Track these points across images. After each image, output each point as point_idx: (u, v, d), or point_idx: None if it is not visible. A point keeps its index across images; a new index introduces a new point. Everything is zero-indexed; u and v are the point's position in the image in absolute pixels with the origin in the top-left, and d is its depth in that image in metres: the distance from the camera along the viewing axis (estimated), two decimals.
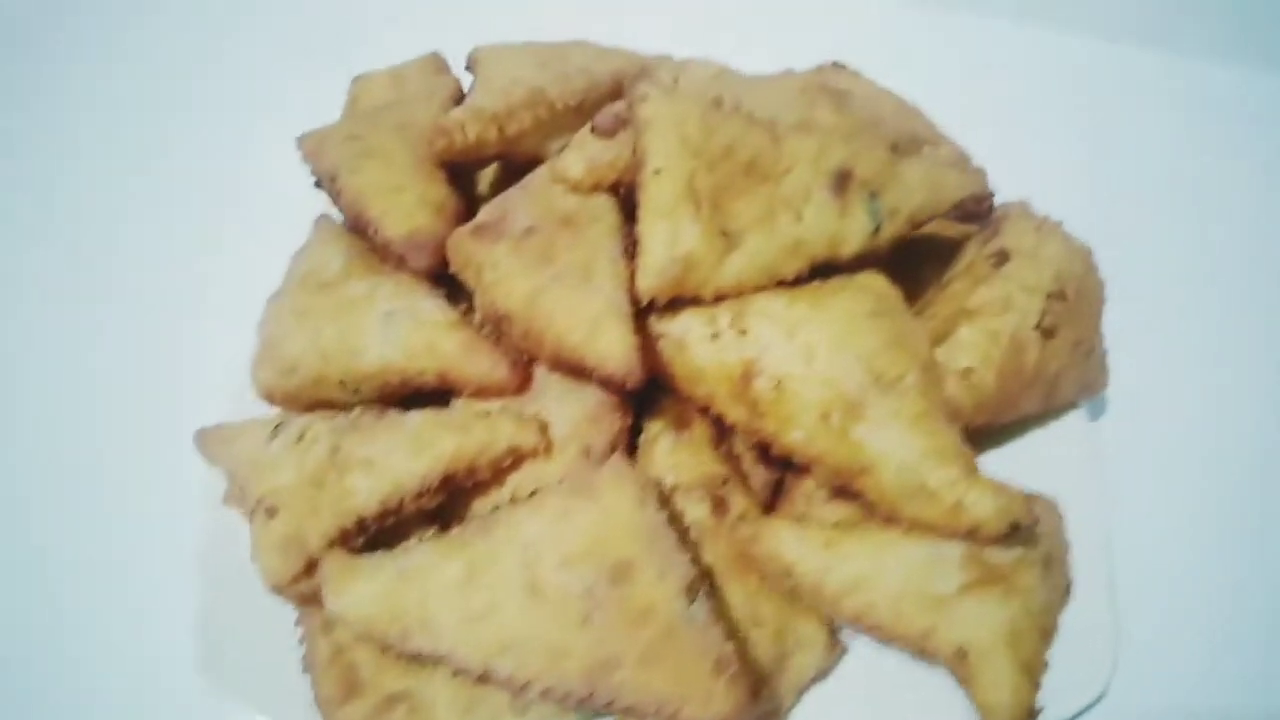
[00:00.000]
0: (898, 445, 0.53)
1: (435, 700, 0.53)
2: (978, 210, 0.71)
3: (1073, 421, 0.67)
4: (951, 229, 0.71)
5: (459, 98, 0.74)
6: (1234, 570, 0.69)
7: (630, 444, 0.61)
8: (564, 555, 0.49)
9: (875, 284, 0.60)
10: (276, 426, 0.57)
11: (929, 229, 0.66)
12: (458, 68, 0.76)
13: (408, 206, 0.62)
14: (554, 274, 0.56)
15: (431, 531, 0.57)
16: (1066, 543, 0.60)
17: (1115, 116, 1.00)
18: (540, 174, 0.63)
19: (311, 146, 0.67)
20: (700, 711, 0.48)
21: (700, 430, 0.61)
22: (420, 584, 0.50)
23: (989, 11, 1.07)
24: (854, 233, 0.59)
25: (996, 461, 0.65)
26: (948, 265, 0.69)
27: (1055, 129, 0.98)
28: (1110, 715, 0.59)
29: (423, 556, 0.51)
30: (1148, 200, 0.93)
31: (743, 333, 0.56)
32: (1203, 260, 0.88)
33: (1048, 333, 0.61)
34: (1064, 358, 0.62)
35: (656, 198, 0.55)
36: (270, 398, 0.63)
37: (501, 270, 0.57)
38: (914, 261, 0.68)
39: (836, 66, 0.77)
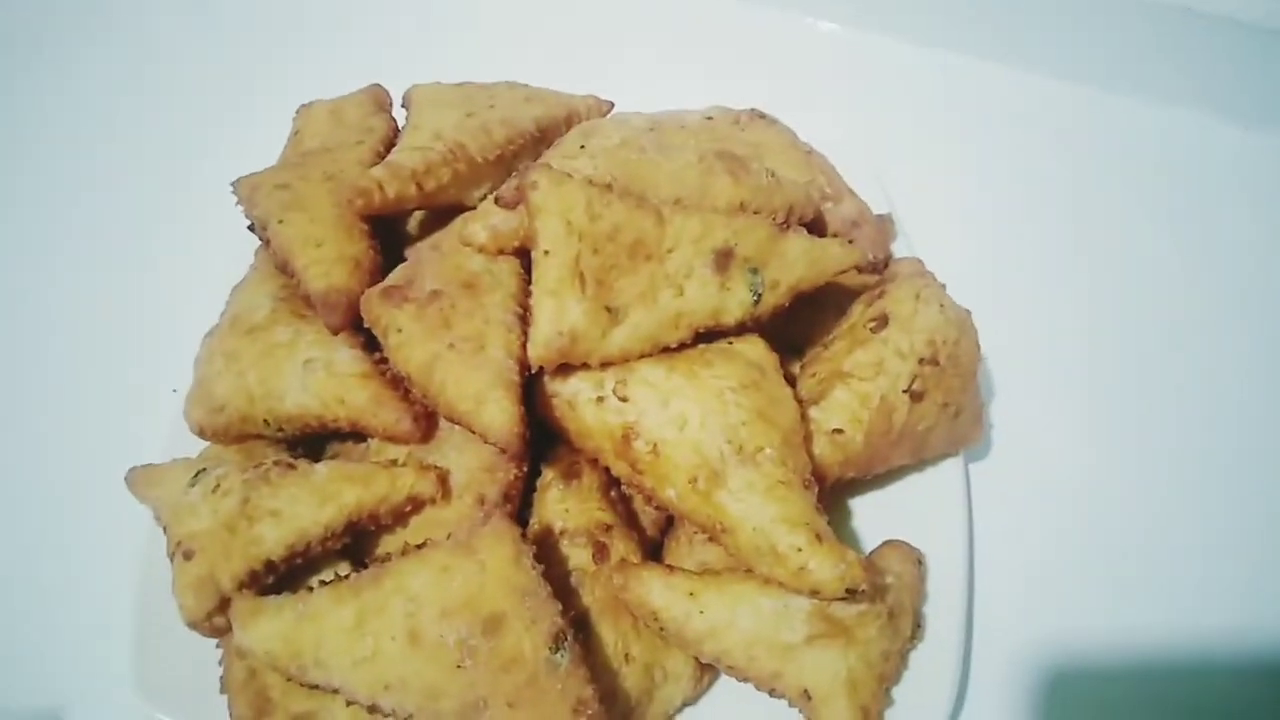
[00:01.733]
0: (753, 511, 0.59)
1: None
2: (872, 267, 0.76)
3: (948, 469, 0.73)
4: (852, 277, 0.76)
5: (392, 140, 0.78)
6: (1091, 614, 0.76)
7: (529, 489, 0.67)
8: (443, 608, 0.55)
9: (752, 352, 0.65)
10: (196, 474, 0.63)
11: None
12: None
13: (327, 262, 0.67)
14: (450, 341, 0.62)
15: (342, 565, 0.64)
16: (923, 590, 0.66)
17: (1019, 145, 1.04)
18: (451, 233, 0.68)
19: (245, 192, 0.72)
20: None
21: (590, 479, 0.66)
22: (316, 626, 0.56)
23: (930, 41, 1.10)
24: (735, 305, 0.64)
25: (872, 505, 0.72)
26: (844, 311, 0.74)
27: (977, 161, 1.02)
28: None
29: (320, 601, 0.57)
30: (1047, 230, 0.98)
31: (624, 399, 0.62)
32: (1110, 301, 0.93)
33: (916, 396, 0.66)
34: (931, 418, 0.67)
35: (545, 277, 0.60)
36: (201, 433, 0.68)
37: (404, 334, 0.63)
38: (813, 308, 0.73)
39: (754, 114, 0.81)
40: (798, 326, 0.74)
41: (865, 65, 1.09)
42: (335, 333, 0.66)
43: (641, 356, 0.63)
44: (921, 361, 0.67)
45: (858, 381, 0.66)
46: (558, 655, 0.55)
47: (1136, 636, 0.74)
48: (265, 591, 0.60)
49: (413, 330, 0.63)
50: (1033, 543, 0.78)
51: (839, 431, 0.65)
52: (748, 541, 0.59)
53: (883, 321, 0.69)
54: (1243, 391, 0.87)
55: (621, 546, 0.64)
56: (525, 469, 0.66)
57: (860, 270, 0.74)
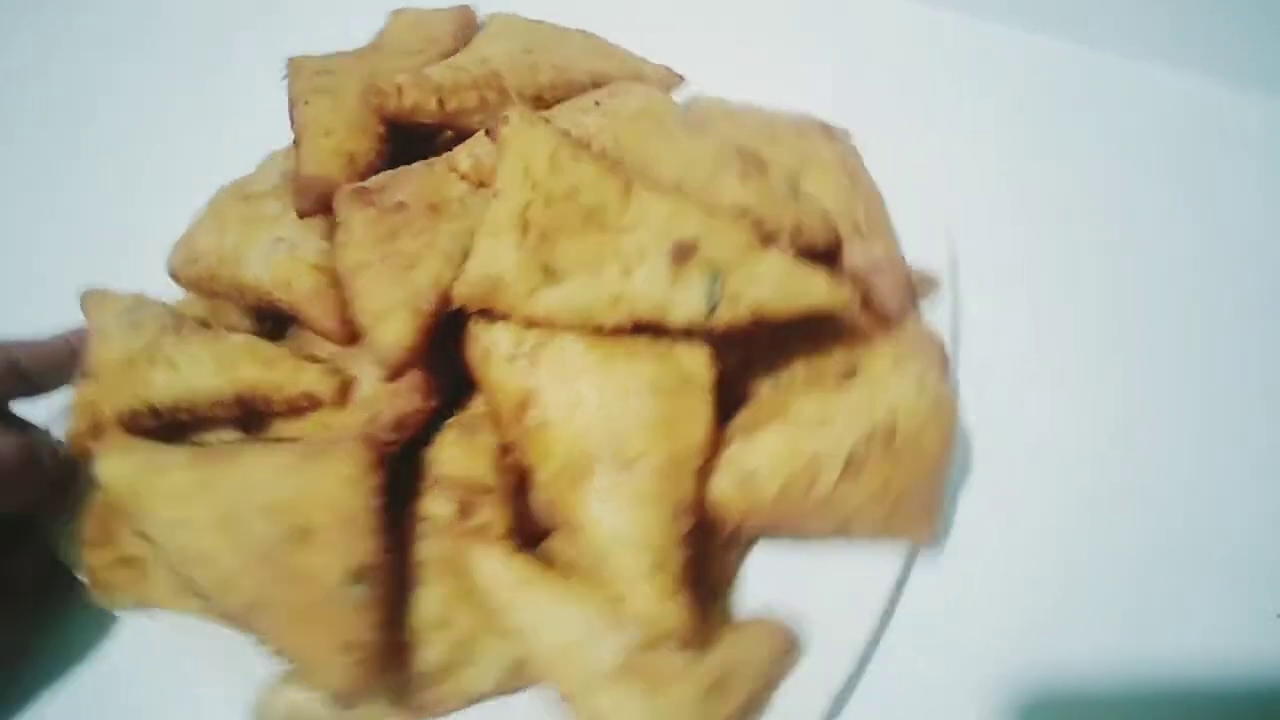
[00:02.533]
0: (607, 517, 0.54)
1: (158, 574, 0.60)
2: (882, 320, 0.69)
3: (882, 563, 0.65)
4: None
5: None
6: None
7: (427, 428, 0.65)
8: (266, 503, 0.54)
9: (688, 361, 0.60)
10: (130, 309, 0.65)
11: None
12: None
13: (325, 152, 0.67)
14: (385, 254, 0.60)
15: (230, 434, 0.64)
16: (777, 677, 0.59)
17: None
18: (445, 156, 0.67)
19: (292, 70, 0.73)
20: (314, 679, 0.52)
21: (488, 439, 0.63)
22: (158, 479, 0.57)
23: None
24: (683, 306, 0.58)
25: (799, 568, 0.64)
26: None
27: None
28: None
29: (173, 458, 0.58)
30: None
31: (534, 363, 0.59)
32: None
33: (850, 468, 0.59)
34: (859, 499, 0.60)
35: (490, 218, 0.58)
36: (174, 277, 0.70)
37: (351, 235, 0.62)
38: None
39: (823, 127, 0.75)
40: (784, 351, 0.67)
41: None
42: (301, 216, 0.66)
43: (569, 326, 0.59)
44: (871, 435, 0.60)
45: (795, 429, 0.60)
46: (354, 588, 0.53)
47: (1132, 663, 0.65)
48: (149, 435, 0.61)
49: (360, 233, 0.62)
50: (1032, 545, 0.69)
51: (752, 475, 0.59)
52: (590, 546, 0.55)
53: (849, 373, 0.62)
54: None
55: (489, 514, 0.61)
56: (432, 405, 0.63)
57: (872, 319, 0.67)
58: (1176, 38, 0.96)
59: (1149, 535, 0.69)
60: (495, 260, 0.58)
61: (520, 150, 0.58)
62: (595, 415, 0.56)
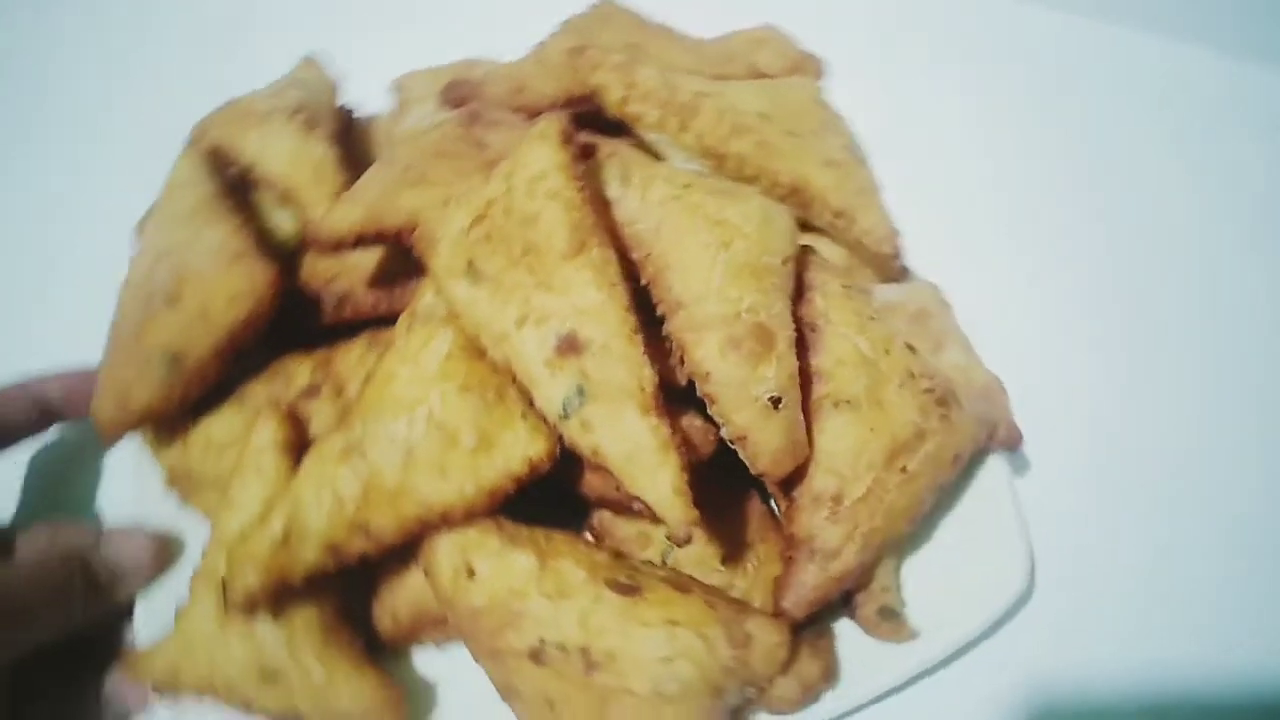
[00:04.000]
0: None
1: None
2: None
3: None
4: None
5: None
6: None
7: None
8: None
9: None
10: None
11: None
12: None
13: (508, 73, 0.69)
14: (414, 163, 0.63)
15: None
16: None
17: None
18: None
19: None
20: None
21: None
22: None
23: None
24: (545, 392, 0.53)
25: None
26: None
27: None
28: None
29: None
30: None
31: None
32: None
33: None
34: None
35: (468, 193, 0.58)
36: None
37: (430, 131, 0.65)
38: None
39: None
40: None
41: None
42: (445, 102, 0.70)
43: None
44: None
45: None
46: None
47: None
48: None
49: (429, 137, 0.64)
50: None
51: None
52: None
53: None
54: None
55: None
56: None
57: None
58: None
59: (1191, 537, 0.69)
60: (447, 224, 0.57)
61: (524, 154, 0.56)
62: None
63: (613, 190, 0.59)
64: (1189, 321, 0.80)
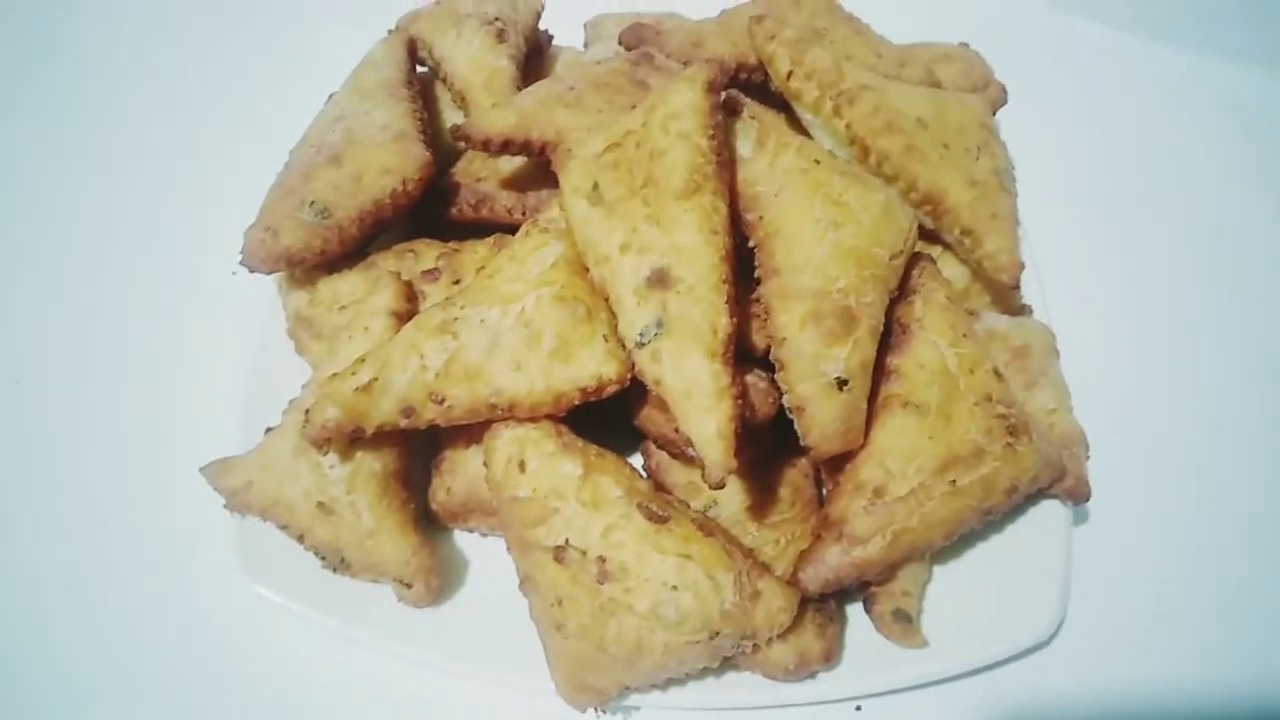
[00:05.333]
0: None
1: None
2: None
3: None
4: None
5: None
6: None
7: None
8: None
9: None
10: None
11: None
12: None
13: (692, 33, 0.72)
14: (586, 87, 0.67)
15: None
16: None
17: None
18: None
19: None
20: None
21: None
22: None
23: None
24: (628, 316, 0.57)
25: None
26: None
27: None
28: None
29: None
30: None
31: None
32: None
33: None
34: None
35: (620, 121, 0.61)
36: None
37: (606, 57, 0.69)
38: None
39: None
40: None
41: None
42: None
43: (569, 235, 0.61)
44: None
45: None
46: None
47: None
48: None
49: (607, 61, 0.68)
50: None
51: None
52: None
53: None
54: None
55: None
56: None
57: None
58: None
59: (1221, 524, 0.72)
60: (583, 145, 0.61)
61: (667, 93, 0.59)
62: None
63: (745, 149, 0.61)
64: None
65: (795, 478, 0.64)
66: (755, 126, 0.62)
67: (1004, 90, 0.78)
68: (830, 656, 0.58)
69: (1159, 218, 0.90)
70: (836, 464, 0.60)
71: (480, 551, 0.67)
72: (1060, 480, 0.63)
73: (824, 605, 0.60)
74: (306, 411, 0.58)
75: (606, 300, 0.59)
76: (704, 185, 0.57)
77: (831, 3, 0.78)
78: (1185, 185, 0.92)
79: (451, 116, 0.78)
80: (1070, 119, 0.96)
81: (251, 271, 0.67)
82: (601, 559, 0.55)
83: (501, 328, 0.58)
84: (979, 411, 0.59)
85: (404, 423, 0.59)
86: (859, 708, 0.62)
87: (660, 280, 0.56)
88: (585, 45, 0.83)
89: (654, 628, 0.54)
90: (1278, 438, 0.77)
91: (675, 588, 0.54)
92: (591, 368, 0.58)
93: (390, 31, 0.79)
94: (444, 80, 0.76)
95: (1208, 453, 0.76)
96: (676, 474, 0.65)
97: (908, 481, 0.58)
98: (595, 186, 0.59)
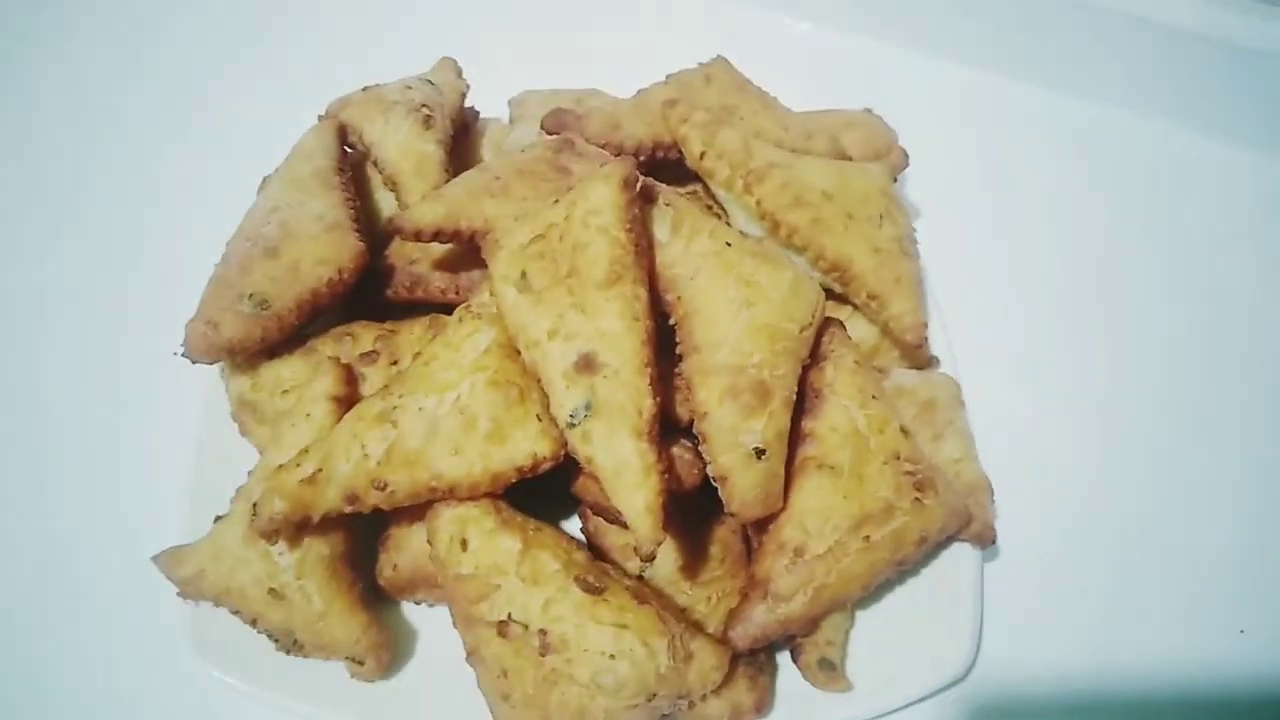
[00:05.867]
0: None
1: None
2: None
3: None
4: None
5: None
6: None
7: None
8: None
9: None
10: None
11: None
12: None
13: (608, 118, 0.77)
14: (515, 176, 0.70)
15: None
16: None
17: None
18: None
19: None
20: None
21: None
22: None
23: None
24: (559, 398, 0.60)
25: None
26: None
27: None
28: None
29: None
30: None
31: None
32: None
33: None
34: None
35: (541, 213, 0.64)
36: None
37: (526, 145, 0.72)
38: None
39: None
40: None
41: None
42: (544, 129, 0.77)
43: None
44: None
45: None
46: None
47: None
48: None
49: (529, 151, 0.72)
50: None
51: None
52: None
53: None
54: None
55: None
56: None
57: None
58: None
59: (1124, 553, 0.79)
60: (510, 235, 0.64)
61: (587, 189, 0.62)
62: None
63: (662, 233, 0.66)
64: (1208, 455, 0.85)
65: (724, 535, 0.69)
66: (671, 213, 0.66)
67: (905, 155, 0.84)
68: (762, 707, 0.63)
69: (1061, 265, 0.96)
70: (761, 524, 0.65)
71: (428, 621, 0.70)
72: (967, 527, 0.68)
73: (754, 658, 0.64)
74: (254, 504, 0.61)
75: (538, 381, 0.62)
76: (624, 275, 0.61)
77: (740, 79, 0.83)
78: (1082, 232, 0.99)
79: (384, 197, 0.81)
80: (972, 173, 1.02)
81: (194, 363, 0.70)
82: (543, 632, 0.58)
83: (439, 415, 0.61)
84: (888, 470, 0.64)
85: (349, 509, 0.62)
86: None
87: (587, 365, 0.59)
88: (509, 121, 0.87)
89: (595, 695, 0.58)
90: (1173, 472, 0.83)
91: (613, 656, 0.57)
92: (526, 447, 0.62)
93: (320, 118, 0.82)
94: (374, 164, 0.79)
95: (1109, 491, 0.82)
96: (613, 537, 0.69)
97: (825, 540, 0.62)
98: (523, 275, 0.63)
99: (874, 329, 0.76)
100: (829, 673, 0.64)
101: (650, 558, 0.58)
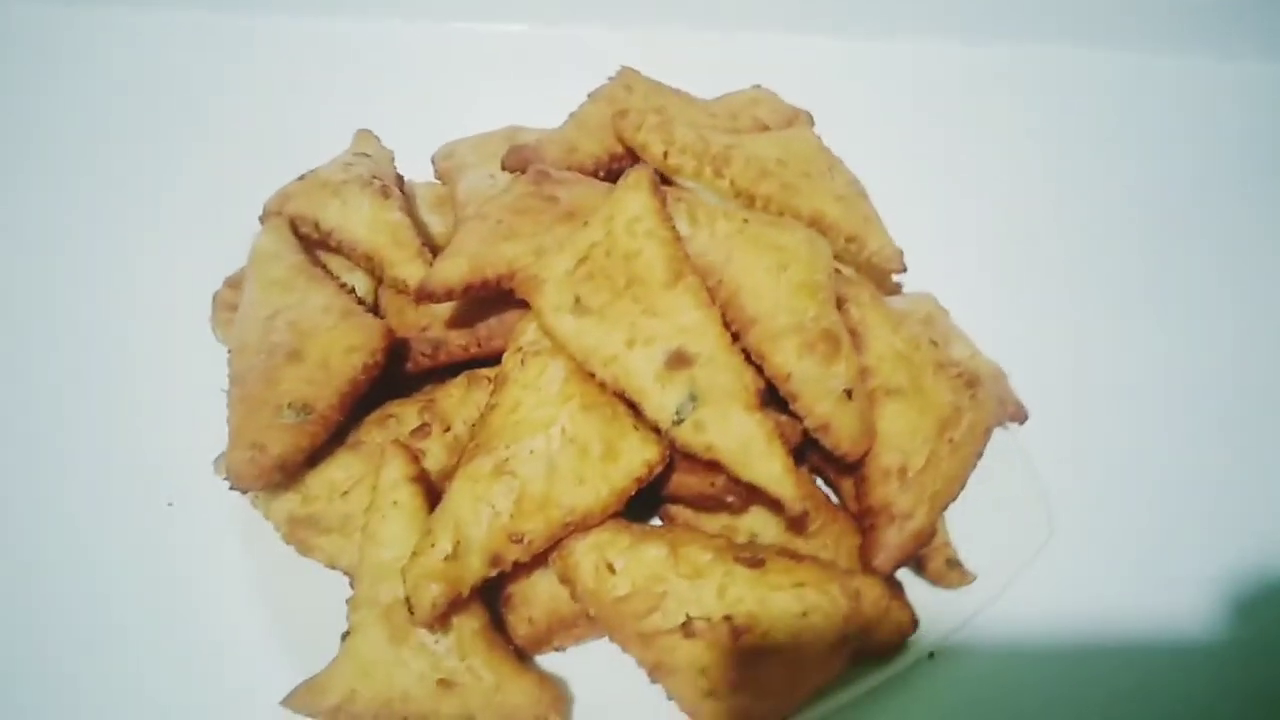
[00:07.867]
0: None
1: None
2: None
3: None
4: None
5: None
6: None
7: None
8: None
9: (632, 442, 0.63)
10: None
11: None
12: None
13: (565, 141, 0.79)
14: (502, 219, 0.71)
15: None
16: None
17: None
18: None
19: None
20: None
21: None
22: None
23: None
24: (656, 400, 0.62)
25: None
26: None
27: None
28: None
29: None
30: None
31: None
32: None
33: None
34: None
35: (570, 237, 0.66)
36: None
37: (501, 192, 0.73)
38: None
39: None
40: None
41: None
42: (504, 168, 0.78)
43: (570, 354, 0.65)
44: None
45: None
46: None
47: None
48: None
49: (506, 196, 0.73)
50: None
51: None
52: None
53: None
54: None
55: None
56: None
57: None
58: None
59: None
60: (549, 268, 0.65)
61: (620, 201, 0.65)
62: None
63: (683, 229, 0.69)
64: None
65: (808, 487, 0.73)
66: (684, 207, 0.69)
67: (811, 116, 0.91)
68: (916, 621, 0.67)
69: (980, 195, 1.09)
70: (845, 466, 0.69)
71: (565, 665, 0.69)
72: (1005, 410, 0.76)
73: (891, 582, 0.69)
74: (407, 599, 0.59)
75: (621, 395, 0.64)
76: (683, 269, 0.64)
77: (654, 82, 0.87)
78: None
79: (351, 279, 0.78)
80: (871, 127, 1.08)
81: (244, 492, 0.66)
82: (728, 618, 0.60)
83: (552, 451, 0.62)
84: (940, 377, 0.71)
85: (494, 572, 0.61)
86: (931, 655, 0.71)
87: (680, 360, 0.62)
88: (437, 177, 0.87)
89: (799, 657, 0.60)
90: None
91: (805, 614, 0.60)
92: (638, 457, 0.63)
93: (262, 220, 0.78)
94: (337, 248, 0.77)
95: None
96: (707, 525, 0.71)
97: (920, 454, 0.68)
98: (577, 300, 0.64)
99: (850, 269, 0.82)
100: (958, 570, 0.69)
101: (802, 517, 0.61)
